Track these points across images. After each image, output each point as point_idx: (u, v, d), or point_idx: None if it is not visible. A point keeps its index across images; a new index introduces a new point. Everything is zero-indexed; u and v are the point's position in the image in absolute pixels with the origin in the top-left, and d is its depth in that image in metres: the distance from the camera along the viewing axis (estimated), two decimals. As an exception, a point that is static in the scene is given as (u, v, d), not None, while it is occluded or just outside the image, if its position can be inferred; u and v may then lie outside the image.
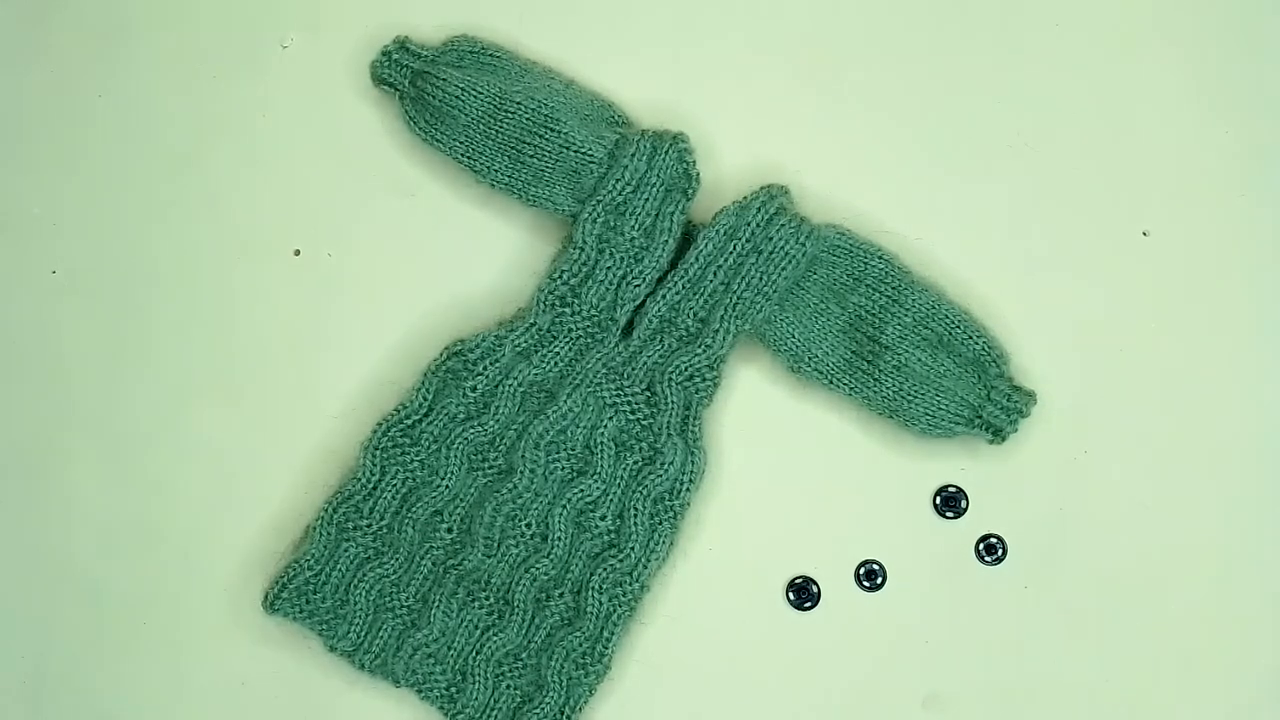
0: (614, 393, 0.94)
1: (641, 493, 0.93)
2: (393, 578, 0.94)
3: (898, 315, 0.94)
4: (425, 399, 0.94)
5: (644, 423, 0.94)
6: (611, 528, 0.94)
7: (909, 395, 0.94)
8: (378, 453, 0.93)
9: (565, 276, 0.94)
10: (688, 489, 0.94)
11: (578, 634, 0.93)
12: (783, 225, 0.94)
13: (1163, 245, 0.98)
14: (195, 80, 1.00)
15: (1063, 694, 0.95)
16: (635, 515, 0.93)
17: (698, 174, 0.95)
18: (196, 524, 0.97)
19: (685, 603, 0.95)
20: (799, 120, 0.99)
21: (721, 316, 0.94)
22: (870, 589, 0.96)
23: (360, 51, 0.99)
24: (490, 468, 0.94)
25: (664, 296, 0.94)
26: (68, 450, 0.97)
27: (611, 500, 0.94)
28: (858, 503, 0.96)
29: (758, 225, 0.94)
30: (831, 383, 0.94)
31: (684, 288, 0.94)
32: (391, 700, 0.94)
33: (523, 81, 0.97)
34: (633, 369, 0.94)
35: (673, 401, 0.94)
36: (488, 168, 0.96)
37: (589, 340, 0.95)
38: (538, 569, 0.93)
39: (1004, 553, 0.95)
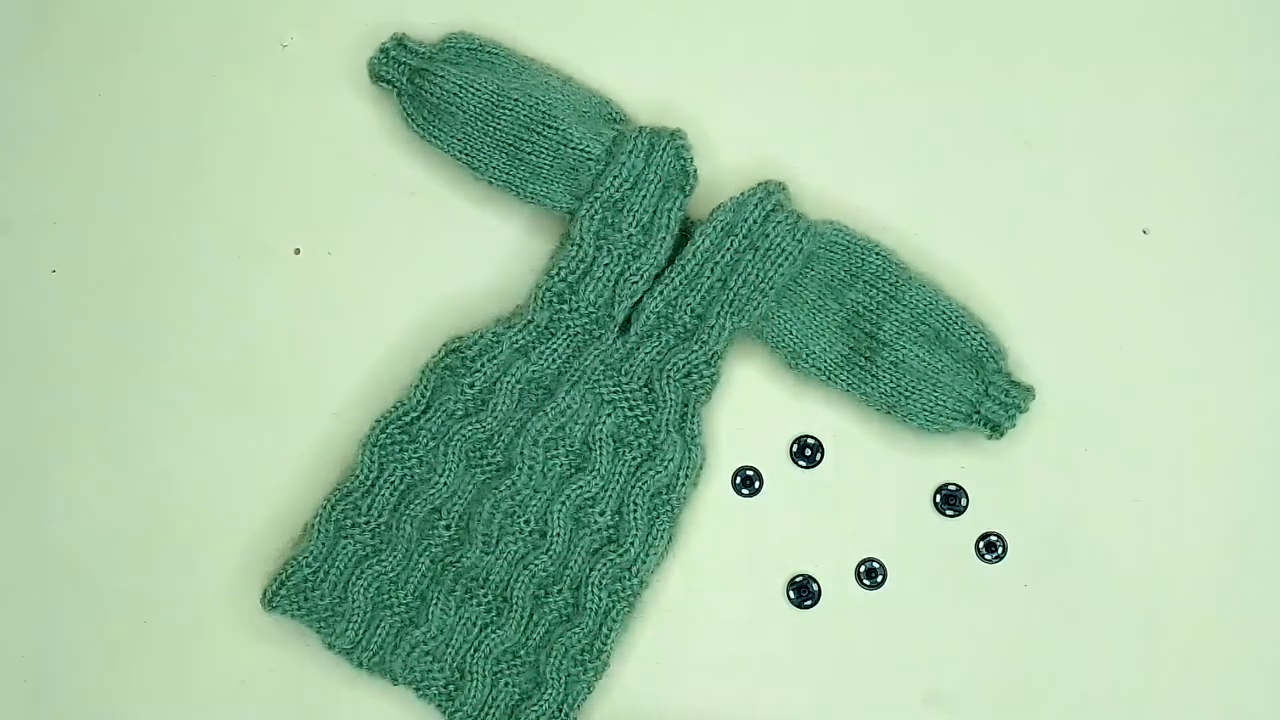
0: (612, 389, 0.94)
1: (640, 489, 0.93)
2: (391, 575, 0.94)
3: (895, 311, 0.94)
4: (423, 396, 0.94)
5: (642, 419, 0.94)
6: (610, 524, 0.94)
7: (907, 391, 0.94)
8: (376, 450, 0.93)
9: (563, 273, 0.94)
10: (686, 485, 0.94)
11: (576, 630, 0.93)
12: (780, 222, 0.94)
13: (1162, 243, 0.98)
14: (195, 80, 1.00)
15: (1063, 692, 0.94)
16: (634, 511, 0.93)
17: (695, 171, 0.95)
18: (196, 523, 0.97)
19: (685, 600, 0.95)
20: (796, 117, 0.99)
21: (719, 313, 0.94)
22: (870, 587, 0.95)
23: (359, 49, 0.99)
24: (489, 464, 0.94)
25: (661, 293, 0.94)
26: (68, 450, 0.97)
27: (610, 496, 0.94)
28: (858, 501, 0.96)
29: (755, 222, 0.94)
30: (829, 379, 0.94)
31: (681, 284, 0.94)
32: (390, 698, 0.94)
33: (520, 78, 0.97)
34: (630, 365, 0.94)
35: (671, 398, 0.94)
36: (485, 164, 0.96)
37: (587, 337, 0.95)
38: (536, 566, 0.93)
39: (1004, 551, 0.95)
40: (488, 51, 0.98)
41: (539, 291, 0.95)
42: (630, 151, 0.94)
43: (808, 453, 0.96)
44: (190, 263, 0.99)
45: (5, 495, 0.97)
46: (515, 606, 0.93)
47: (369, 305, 0.98)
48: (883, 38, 1.00)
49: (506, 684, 0.94)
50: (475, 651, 0.93)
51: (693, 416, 0.94)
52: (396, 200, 0.99)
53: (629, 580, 0.93)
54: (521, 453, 0.94)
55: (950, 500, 0.96)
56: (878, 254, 0.95)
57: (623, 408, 0.94)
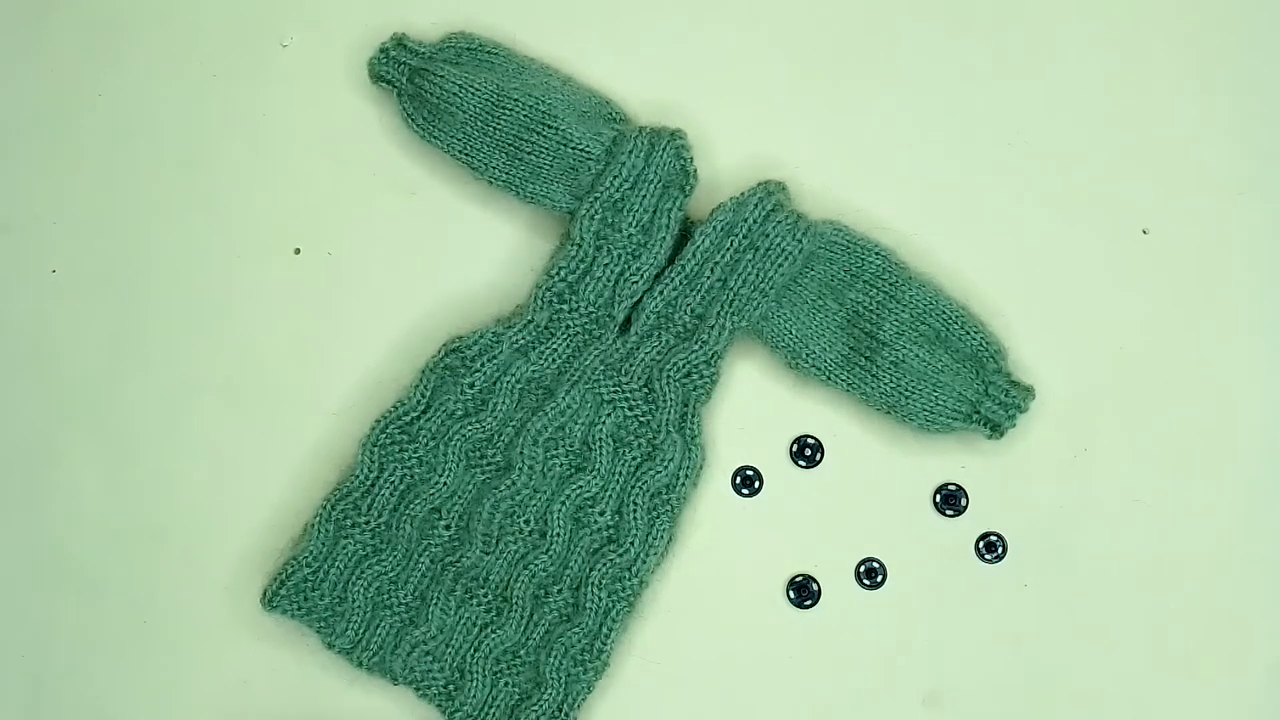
0: (612, 389, 0.94)
1: (640, 488, 0.93)
2: (391, 575, 0.94)
3: (895, 311, 0.94)
4: (423, 396, 0.94)
5: (642, 419, 0.94)
6: (610, 524, 0.94)
7: (907, 391, 0.94)
8: (376, 450, 0.93)
9: (563, 273, 0.94)
10: (686, 485, 0.94)
11: (576, 630, 0.93)
12: (780, 222, 0.94)
13: (1162, 243, 0.98)
14: (195, 79, 1.00)
15: (1063, 692, 0.94)
16: (634, 511, 0.93)
17: (695, 170, 0.95)
18: (196, 523, 0.97)
19: (685, 600, 0.95)
20: (797, 117, 0.99)
21: (718, 313, 0.94)
22: (870, 587, 0.95)
23: (359, 49, 0.99)
24: (488, 464, 0.94)
25: (661, 293, 0.94)
26: (68, 450, 0.97)
27: (610, 496, 0.94)
28: (858, 501, 0.96)
29: (755, 221, 0.94)
30: (829, 379, 0.94)
31: (681, 284, 0.94)
32: (390, 698, 0.94)
33: (520, 78, 0.97)
34: (630, 365, 0.94)
35: (671, 398, 0.94)
36: (485, 164, 0.96)
37: (587, 337, 0.95)
38: (536, 565, 0.93)
39: (1004, 551, 0.95)
40: (487, 51, 0.98)
41: (539, 291, 0.95)
42: (630, 151, 0.94)
43: (808, 453, 0.96)
44: (190, 263, 0.99)
45: (5, 495, 0.97)
46: (515, 606, 0.93)
47: (369, 305, 0.98)
48: (883, 38, 1.00)
49: (506, 684, 0.93)
50: (475, 651, 0.93)
51: (693, 416, 0.94)
52: (396, 200, 0.99)
53: (629, 580, 0.93)
54: (521, 453, 0.94)
55: (950, 500, 0.96)
56: (878, 254, 0.95)
57: (623, 408, 0.94)
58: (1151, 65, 1.00)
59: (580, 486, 0.94)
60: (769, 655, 0.95)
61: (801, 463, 0.96)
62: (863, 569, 0.95)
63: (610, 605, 0.93)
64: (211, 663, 0.95)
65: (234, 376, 0.98)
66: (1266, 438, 0.96)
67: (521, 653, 0.94)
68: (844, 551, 0.96)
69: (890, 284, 0.94)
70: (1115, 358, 0.97)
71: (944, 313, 0.94)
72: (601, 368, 0.95)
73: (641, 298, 0.94)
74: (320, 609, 0.93)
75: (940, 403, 0.93)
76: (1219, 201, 0.98)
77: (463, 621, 0.94)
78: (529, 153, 0.95)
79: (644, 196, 0.94)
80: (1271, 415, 0.97)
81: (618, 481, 0.94)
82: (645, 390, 0.94)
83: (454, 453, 0.94)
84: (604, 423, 0.94)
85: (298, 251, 0.99)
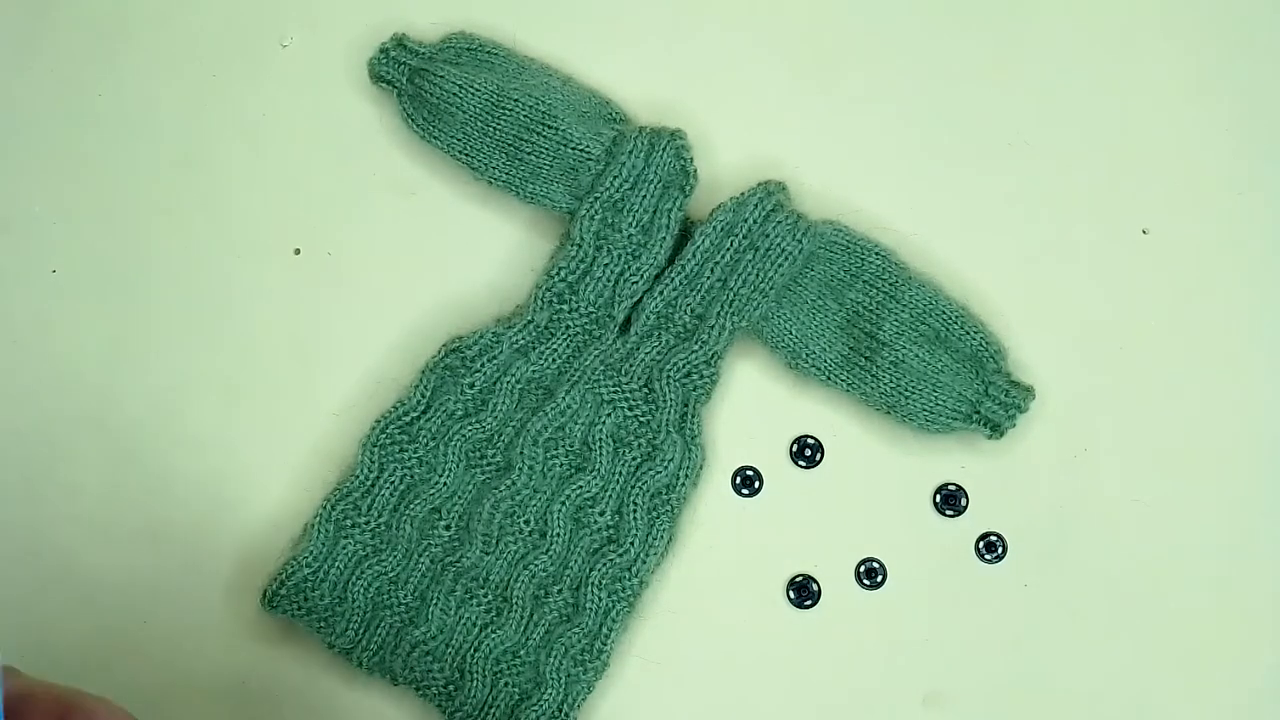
0: (612, 389, 0.94)
1: (640, 489, 0.93)
2: (391, 575, 0.94)
3: (895, 311, 0.94)
4: (423, 396, 0.94)
5: (642, 419, 0.94)
6: (610, 524, 0.94)
7: (907, 391, 0.94)
8: (376, 450, 0.94)
9: (563, 273, 0.94)
10: (686, 485, 0.94)
11: (576, 630, 0.93)
12: (780, 222, 0.94)
13: (1162, 243, 0.98)
14: (195, 79, 1.00)
15: (1063, 692, 0.94)
16: (634, 511, 0.93)
17: (695, 171, 0.95)
18: (196, 523, 0.96)
19: (685, 600, 0.95)
20: (797, 117, 0.99)
21: (718, 313, 0.94)
22: (870, 587, 0.95)
23: (359, 49, 0.99)
24: (488, 464, 0.94)
25: (661, 293, 0.94)
26: (68, 449, 0.97)
27: (610, 496, 0.94)
28: (857, 500, 0.96)
29: (755, 222, 0.94)
30: (829, 379, 0.94)
31: (681, 284, 0.94)
32: (390, 698, 0.94)
33: (520, 78, 0.97)
34: (630, 365, 0.94)
35: (671, 398, 0.94)
36: (485, 165, 0.96)
37: (587, 337, 0.95)
38: (536, 565, 0.93)
39: (1004, 551, 0.95)
40: (488, 51, 0.98)
41: (539, 291, 0.95)
42: (630, 151, 0.94)
43: (808, 453, 0.96)
44: (190, 263, 0.99)
45: (5, 495, 0.97)
46: (515, 606, 0.93)
47: (369, 305, 0.98)
48: (882, 38, 1.00)
49: (506, 684, 0.93)
50: (475, 651, 0.93)
51: (693, 416, 0.94)
52: (396, 200, 0.99)
53: (629, 580, 0.93)
54: (521, 453, 0.94)
55: (950, 500, 0.96)
56: (878, 254, 0.95)
57: (623, 408, 0.94)
58: (1151, 65, 1.00)
59: (580, 487, 0.94)
60: (769, 655, 0.95)
61: (801, 463, 0.96)
62: (863, 569, 0.96)
63: (610, 605, 0.93)
64: (211, 663, 0.95)
65: (234, 376, 0.98)
66: (1266, 438, 0.96)
67: (521, 653, 0.94)
68: (844, 551, 0.96)
69: (890, 284, 0.94)
70: (1115, 358, 0.97)
71: (944, 313, 0.94)
72: (601, 368, 0.95)
73: (641, 298, 0.94)
74: (320, 609, 0.93)
75: (940, 403, 0.93)
76: (1219, 201, 0.99)
77: (463, 621, 0.94)
78: (529, 153, 0.95)
79: (644, 196, 0.94)
80: (1271, 415, 0.97)
81: (618, 482, 0.94)
82: (645, 390, 0.94)
83: (454, 453, 0.94)
84: (604, 423, 0.94)
85: (298, 252, 0.99)
